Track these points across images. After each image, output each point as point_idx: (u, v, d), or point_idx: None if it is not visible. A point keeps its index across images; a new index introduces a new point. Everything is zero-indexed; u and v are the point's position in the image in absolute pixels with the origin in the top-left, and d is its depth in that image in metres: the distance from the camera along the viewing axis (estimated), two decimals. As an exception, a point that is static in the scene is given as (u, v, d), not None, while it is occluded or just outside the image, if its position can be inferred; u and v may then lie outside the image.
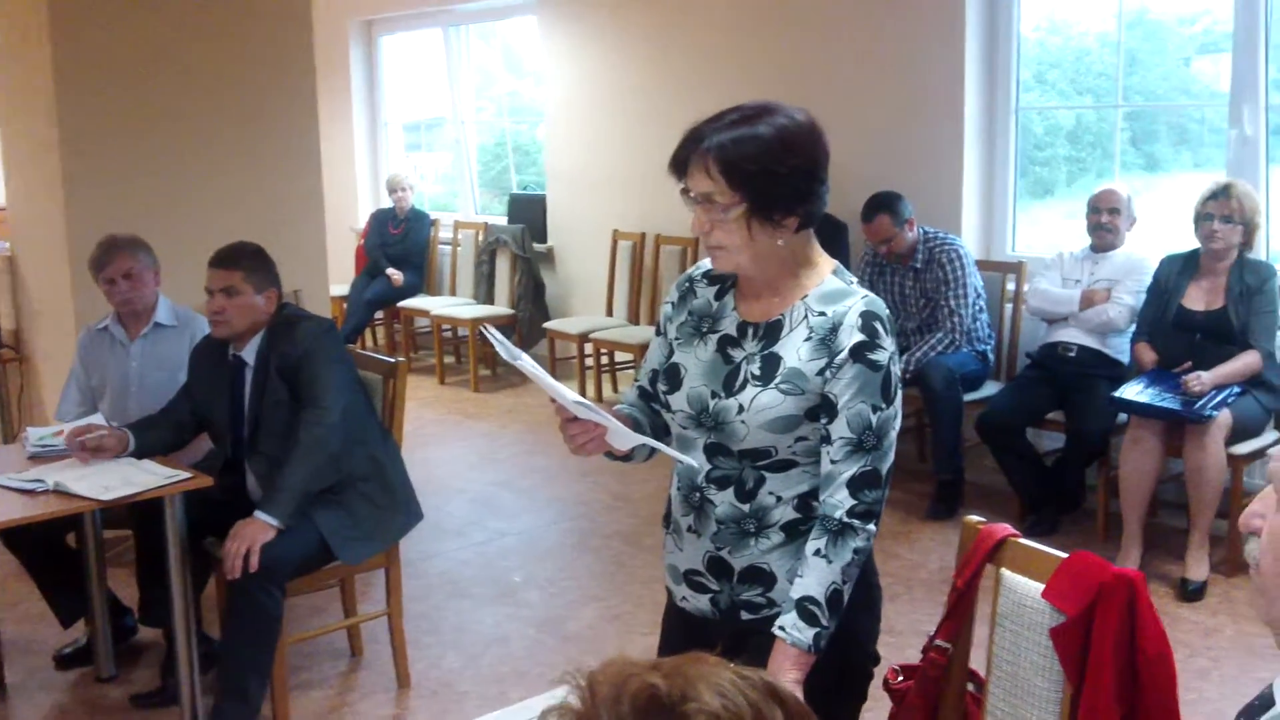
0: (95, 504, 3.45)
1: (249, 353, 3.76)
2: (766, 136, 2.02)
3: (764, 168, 2.01)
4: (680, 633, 2.30)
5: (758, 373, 2.10)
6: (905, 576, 4.74)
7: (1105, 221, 5.22)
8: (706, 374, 2.16)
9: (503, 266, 8.46)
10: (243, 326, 3.73)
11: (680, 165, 2.09)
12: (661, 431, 2.31)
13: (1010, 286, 5.77)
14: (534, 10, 8.37)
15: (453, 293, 8.93)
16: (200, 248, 3.89)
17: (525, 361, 2.03)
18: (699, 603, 2.22)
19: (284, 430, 3.64)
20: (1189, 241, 4.87)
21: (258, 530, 3.45)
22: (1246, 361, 4.60)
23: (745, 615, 2.17)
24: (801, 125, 2.06)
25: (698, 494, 2.17)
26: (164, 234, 4.78)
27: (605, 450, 2.18)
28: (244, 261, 3.72)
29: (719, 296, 2.22)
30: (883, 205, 5.57)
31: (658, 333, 2.32)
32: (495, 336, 2.08)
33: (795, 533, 2.12)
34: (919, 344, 5.52)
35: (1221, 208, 4.66)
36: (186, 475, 3.60)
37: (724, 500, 2.14)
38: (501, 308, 8.36)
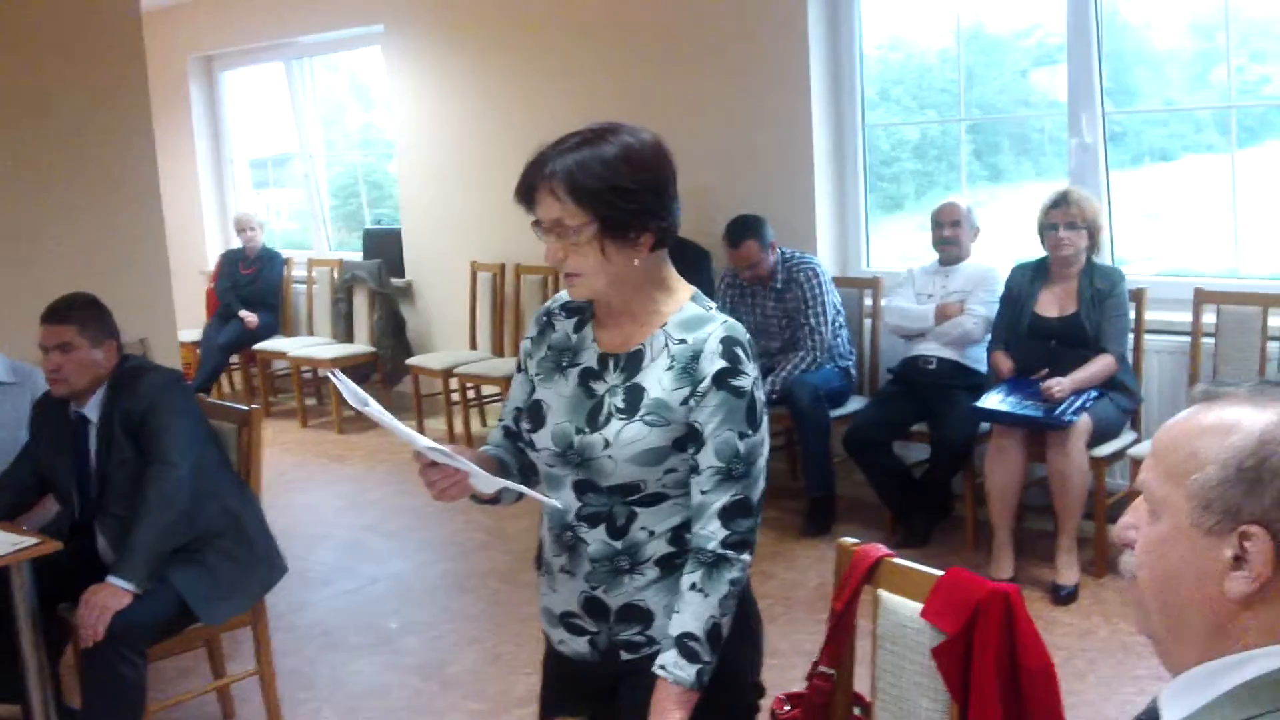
0: (-67, 578, 3.25)
1: (92, 409, 3.59)
2: (611, 155, 1.98)
3: (611, 185, 1.97)
4: (560, 677, 2.24)
5: (621, 405, 2.05)
6: (784, 596, 4.74)
7: (948, 235, 5.32)
8: (569, 409, 2.10)
9: (361, 303, 8.30)
10: (82, 383, 3.55)
11: (527, 194, 2.03)
12: (530, 470, 2.25)
13: (868, 302, 5.84)
14: (377, 41, 8.25)
15: (310, 332, 8.72)
16: (35, 299, 3.70)
17: (374, 408, 1.95)
18: (577, 645, 2.16)
19: (133, 489, 3.47)
20: (1037, 250, 4.97)
21: (109, 596, 3.29)
22: (1102, 365, 4.70)
23: (625, 655, 2.11)
24: (646, 144, 2.03)
25: (569, 533, 2.11)
26: (-3, 287, 4.57)
27: (469, 494, 2.11)
28: (76, 314, 3.55)
29: (578, 329, 2.17)
30: (749, 230, 5.56)
31: (519, 369, 2.26)
32: (341, 382, 2.00)
33: (670, 567, 2.07)
34: (782, 364, 5.54)
35: (1064, 215, 4.77)
36: (33, 541, 3.40)
37: (596, 538, 2.08)
38: (362, 346, 8.20)
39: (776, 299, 5.66)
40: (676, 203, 2.06)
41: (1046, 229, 4.81)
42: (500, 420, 2.31)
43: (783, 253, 5.67)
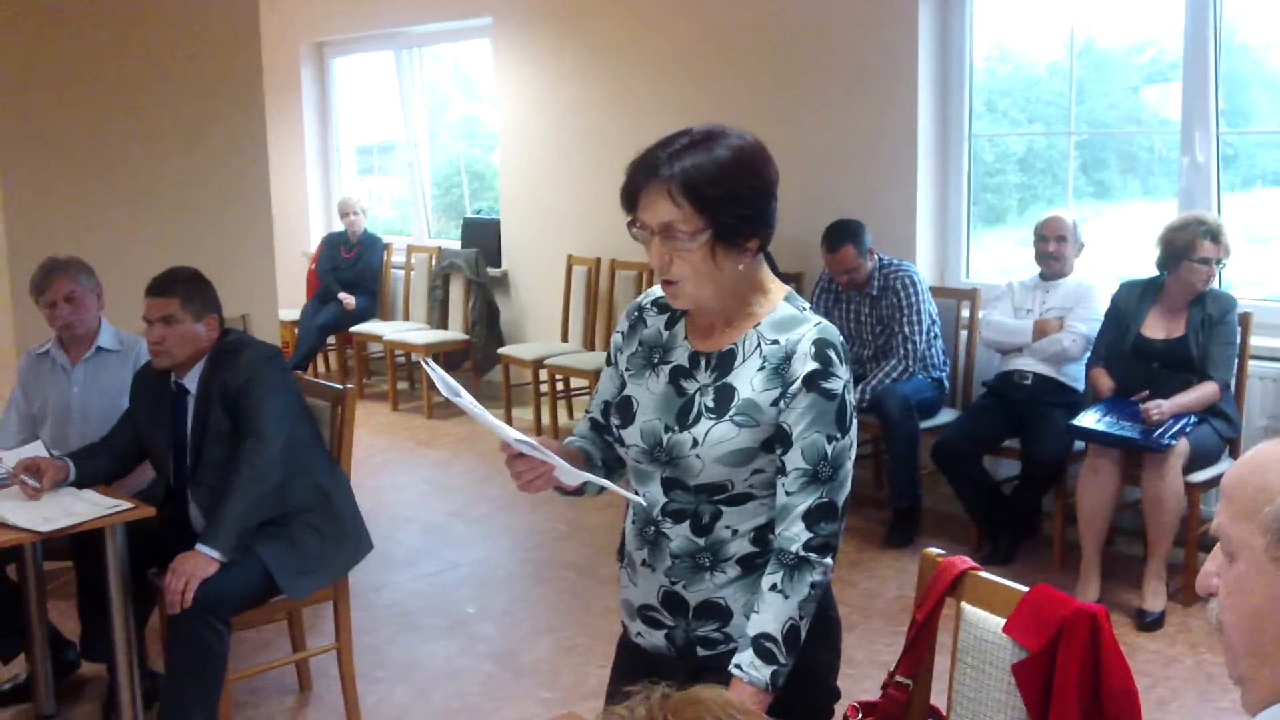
0: (34, 536, 3.34)
1: (191, 380, 3.66)
2: (726, 159, 1.96)
3: (728, 191, 1.95)
4: (633, 670, 2.23)
5: (711, 405, 2.04)
6: (863, 606, 4.70)
7: (1052, 249, 5.21)
8: (659, 407, 2.10)
9: (456, 291, 8.39)
10: (183, 355, 3.63)
11: (632, 197, 2.02)
12: (615, 463, 2.26)
13: (965, 314, 5.77)
14: (487, 34, 8.33)
15: (406, 318, 8.83)
16: (145, 272, 3.78)
17: (465, 399, 1.96)
18: (654, 639, 2.16)
19: (227, 460, 3.55)
20: (1142, 268, 4.86)
21: (198, 564, 3.36)
22: (1206, 392, 4.59)
23: (701, 651, 2.11)
24: (753, 145, 2.02)
25: (652, 528, 2.11)
26: (108, 258, 4.69)
27: (553, 486, 2.12)
28: (180, 288, 3.62)
29: (669, 325, 2.17)
30: (849, 235, 5.52)
31: (608, 363, 2.26)
32: (434, 370, 2.01)
33: (752, 566, 2.06)
34: (874, 371, 5.50)
35: (1217, 251, 4.63)
36: (127, 505, 3.50)
37: (679, 534, 2.08)
38: (455, 333, 8.29)
39: (871, 305, 5.62)
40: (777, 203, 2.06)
41: (1198, 261, 4.63)
42: (587, 412, 2.32)
43: (880, 259, 5.62)
